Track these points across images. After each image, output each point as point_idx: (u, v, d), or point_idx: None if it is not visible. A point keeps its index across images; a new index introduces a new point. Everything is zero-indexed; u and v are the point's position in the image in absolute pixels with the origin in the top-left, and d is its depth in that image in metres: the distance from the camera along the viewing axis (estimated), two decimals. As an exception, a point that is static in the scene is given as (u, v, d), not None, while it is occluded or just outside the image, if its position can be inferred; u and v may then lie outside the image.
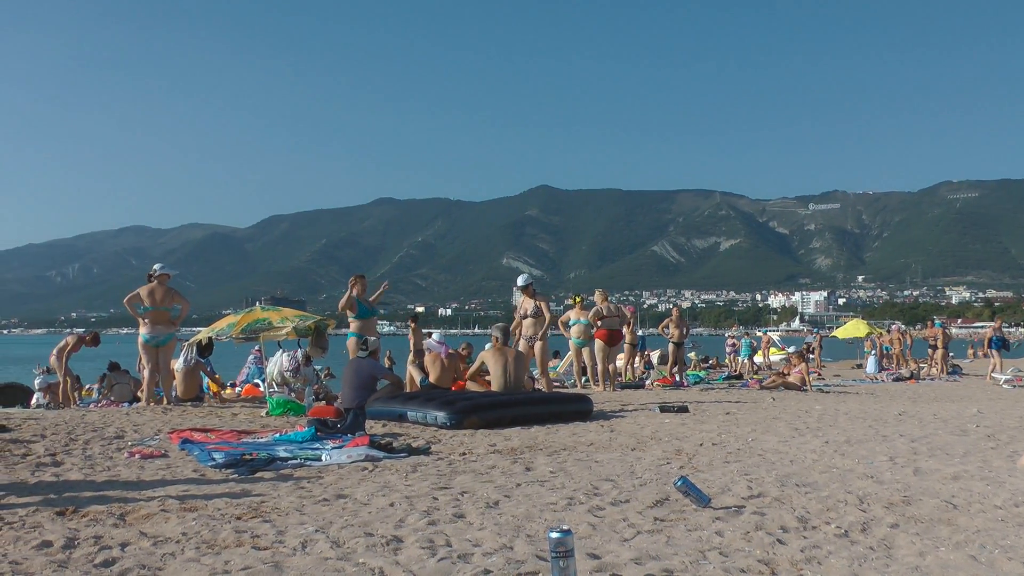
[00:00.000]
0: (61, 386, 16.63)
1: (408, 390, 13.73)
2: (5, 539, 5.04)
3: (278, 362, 14.18)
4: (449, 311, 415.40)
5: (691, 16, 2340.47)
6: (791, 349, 28.17)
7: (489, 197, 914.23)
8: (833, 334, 43.11)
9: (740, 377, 24.56)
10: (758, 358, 33.32)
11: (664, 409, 12.62)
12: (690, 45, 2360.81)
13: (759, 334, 40.63)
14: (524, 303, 16.26)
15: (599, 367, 17.64)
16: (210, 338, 16.00)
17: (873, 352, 30.77)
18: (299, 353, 14.27)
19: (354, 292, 14.08)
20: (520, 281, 16.55)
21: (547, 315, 16.01)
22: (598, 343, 17.59)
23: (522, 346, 15.41)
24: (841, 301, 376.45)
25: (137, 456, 8.27)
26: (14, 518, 5.58)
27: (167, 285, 14.26)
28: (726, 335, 37.84)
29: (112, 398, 15.75)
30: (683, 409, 12.64)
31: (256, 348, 18.69)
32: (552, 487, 6.61)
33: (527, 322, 16.01)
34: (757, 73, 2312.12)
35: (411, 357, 16.42)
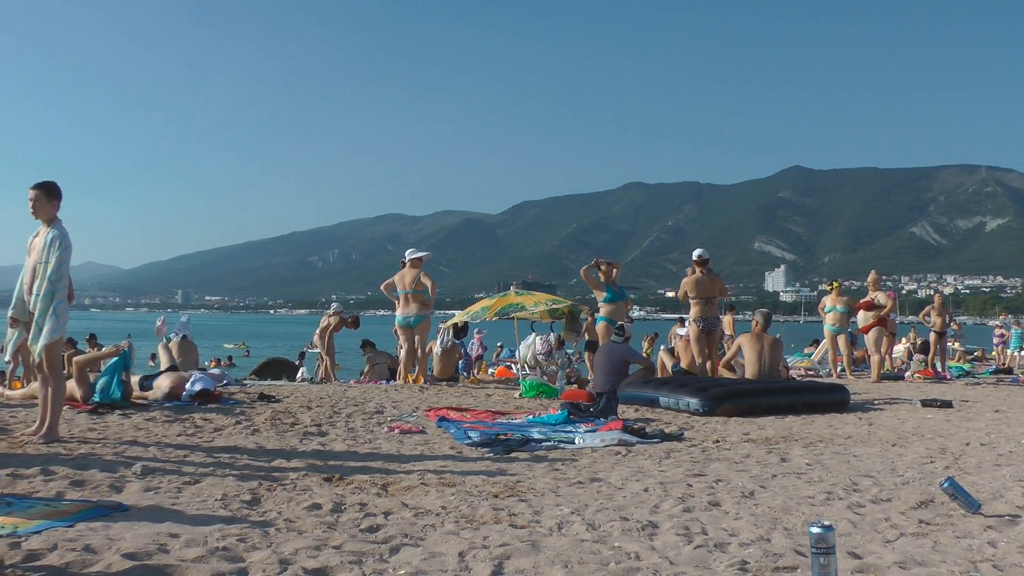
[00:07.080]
0: (324, 363, 17.53)
1: (659, 375, 13.69)
2: (279, 499, 5.44)
3: (532, 345, 14.41)
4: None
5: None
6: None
7: (740, 179, 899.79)
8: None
9: (1010, 371, 23.11)
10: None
11: (926, 403, 12.06)
12: (948, 4, 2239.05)
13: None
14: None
15: (873, 356, 16.97)
16: (465, 322, 16.45)
17: None
18: (552, 336, 14.46)
19: (602, 276, 14.18)
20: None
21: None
22: (878, 331, 16.92)
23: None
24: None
25: (396, 431, 8.63)
26: (286, 480, 6.01)
27: (420, 268, 14.71)
28: (993, 324, 35.71)
29: (371, 376, 16.45)
30: (947, 404, 12.02)
31: (478, 332, 19.10)
32: (809, 480, 6.44)
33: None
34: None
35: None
